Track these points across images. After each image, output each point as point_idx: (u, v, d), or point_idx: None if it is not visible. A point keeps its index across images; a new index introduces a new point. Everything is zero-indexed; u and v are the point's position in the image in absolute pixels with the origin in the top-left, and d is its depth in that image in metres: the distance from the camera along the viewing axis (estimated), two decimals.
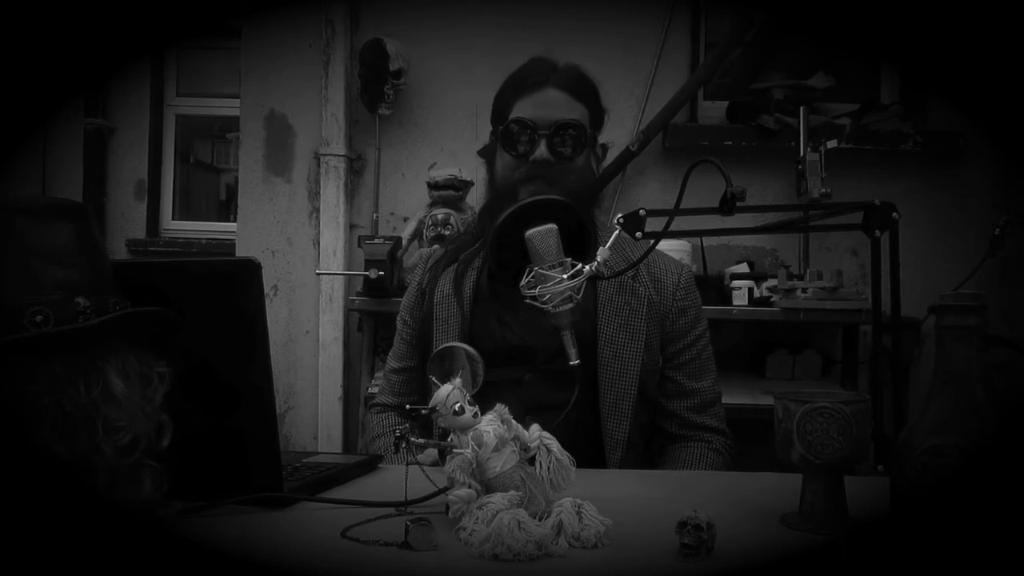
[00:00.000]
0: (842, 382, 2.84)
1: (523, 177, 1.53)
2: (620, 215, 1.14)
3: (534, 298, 1.18)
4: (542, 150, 1.51)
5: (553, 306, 1.17)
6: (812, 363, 2.94)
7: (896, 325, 1.11)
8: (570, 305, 1.18)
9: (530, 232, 1.19)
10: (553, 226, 1.19)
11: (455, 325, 1.55)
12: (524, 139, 1.53)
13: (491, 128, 1.63)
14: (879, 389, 1.09)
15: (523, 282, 1.18)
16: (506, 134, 1.54)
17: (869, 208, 1.10)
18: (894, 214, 1.10)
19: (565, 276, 1.16)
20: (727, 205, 1.15)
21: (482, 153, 1.67)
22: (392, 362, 1.70)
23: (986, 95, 2.94)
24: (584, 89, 1.58)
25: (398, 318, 1.72)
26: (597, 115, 1.60)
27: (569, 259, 1.18)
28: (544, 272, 1.17)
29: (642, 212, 1.14)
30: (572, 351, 1.22)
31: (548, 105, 1.53)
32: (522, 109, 1.54)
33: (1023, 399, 0.86)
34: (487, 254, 1.54)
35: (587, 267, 1.16)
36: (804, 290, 2.65)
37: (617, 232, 1.15)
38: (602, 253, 1.15)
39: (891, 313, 1.12)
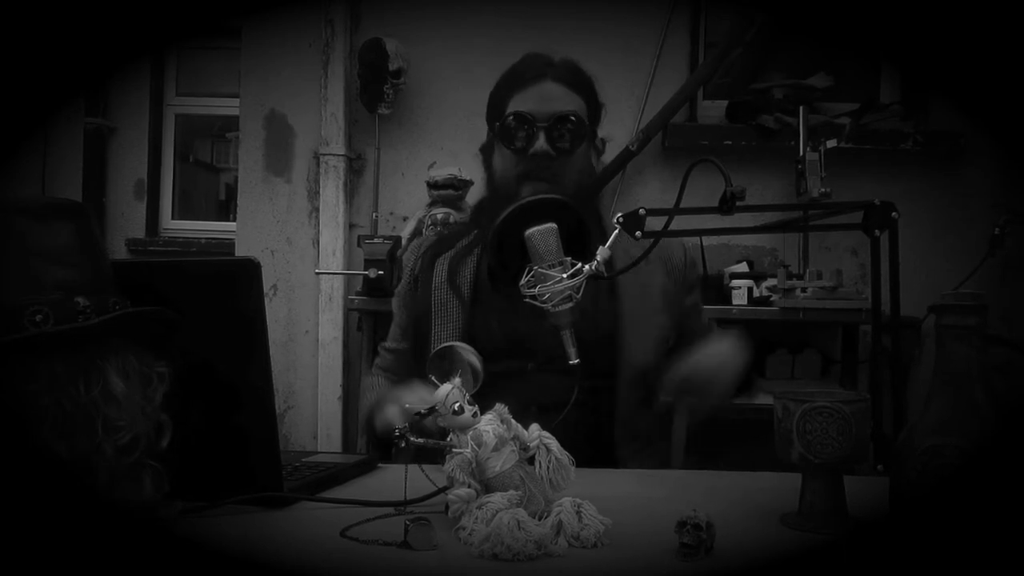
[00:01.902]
0: (842, 382, 2.84)
1: (523, 172, 1.52)
2: (619, 214, 1.14)
3: (533, 297, 1.17)
4: (541, 143, 1.50)
5: (552, 305, 1.17)
6: (812, 363, 2.94)
7: (896, 325, 1.11)
8: (569, 304, 1.18)
9: (530, 231, 1.19)
10: (553, 225, 1.19)
11: (454, 313, 1.55)
12: (522, 133, 1.52)
13: (487, 126, 1.63)
14: (879, 389, 1.09)
15: (523, 281, 1.18)
16: (504, 129, 1.54)
17: (869, 208, 1.10)
18: (893, 214, 1.10)
19: (564, 275, 1.16)
20: (727, 204, 1.15)
21: (483, 150, 1.67)
22: (388, 343, 1.73)
23: (987, 94, 2.94)
24: (581, 82, 1.58)
25: (393, 301, 1.72)
26: (594, 109, 1.60)
27: (569, 258, 1.18)
28: (544, 271, 1.17)
29: (641, 211, 1.13)
30: (571, 350, 1.22)
31: (546, 98, 1.53)
32: (519, 103, 1.53)
33: (1022, 399, 0.86)
34: (488, 254, 1.53)
35: (587, 266, 1.16)
36: (804, 290, 2.65)
37: (617, 231, 1.15)
38: (602, 252, 1.15)
39: (891, 313, 1.12)
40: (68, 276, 0.90)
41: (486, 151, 1.64)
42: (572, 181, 1.52)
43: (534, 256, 1.19)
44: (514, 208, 1.23)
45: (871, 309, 1.14)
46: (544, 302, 1.17)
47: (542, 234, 1.19)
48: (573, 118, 1.52)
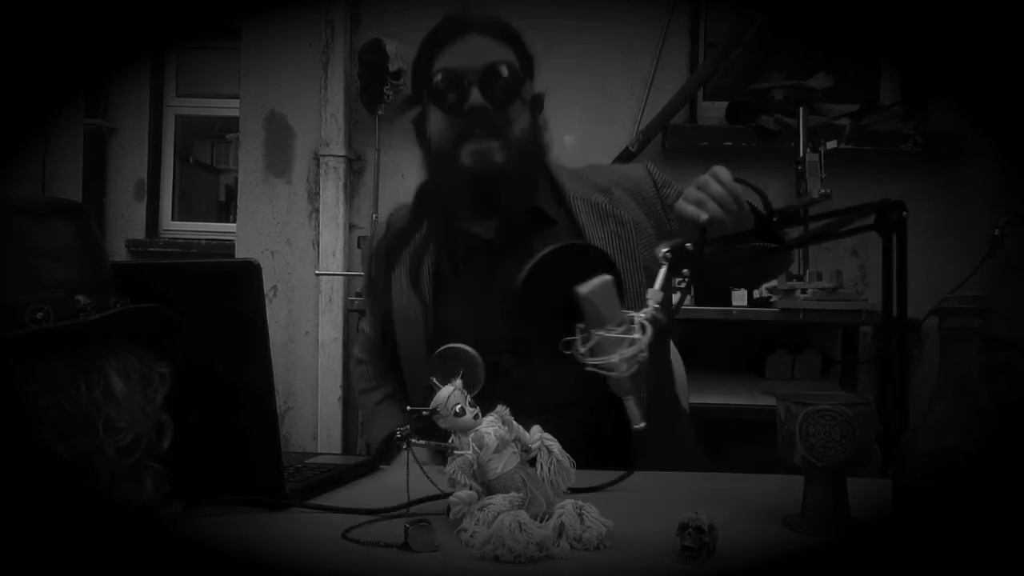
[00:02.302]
0: (841, 382, 2.84)
1: (461, 133, 1.40)
2: (666, 249, 1.09)
3: (597, 366, 1.02)
4: (475, 97, 1.38)
5: (620, 371, 1.02)
6: (812, 363, 2.95)
7: (901, 326, 1.10)
8: (636, 367, 1.03)
9: (586, 291, 1.02)
10: (608, 278, 1.04)
11: (415, 316, 1.47)
12: (454, 92, 1.40)
13: (414, 96, 1.52)
14: (887, 390, 1.08)
15: (582, 349, 1.03)
16: (434, 90, 1.42)
17: (883, 207, 1.09)
18: (904, 212, 1.09)
19: (639, 335, 1.01)
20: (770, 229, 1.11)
21: (415, 122, 1.51)
22: (366, 326, 1.68)
23: (987, 94, 2.94)
24: (507, 32, 1.47)
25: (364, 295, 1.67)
26: (525, 61, 1.48)
27: (629, 312, 1.03)
28: (609, 335, 1.02)
29: (688, 245, 1.10)
30: (637, 414, 1.08)
31: (473, 51, 1.41)
32: (446, 60, 1.42)
33: (1023, 401, 0.86)
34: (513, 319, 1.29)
35: (642, 317, 1.03)
36: (804, 290, 2.65)
37: (665, 268, 1.09)
38: (654, 295, 1.05)
39: (896, 314, 1.11)
40: (68, 275, 0.90)
41: (419, 123, 1.51)
42: (515, 138, 1.42)
43: (593, 319, 1.02)
44: (532, 266, 1.07)
45: (883, 310, 1.12)
46: (610, 370, 1.02)
47: (601, 292, 1.02)
48: (505, 67, 1.41)
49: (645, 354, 1.02)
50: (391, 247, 1.55)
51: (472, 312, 1.46)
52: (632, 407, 1.07)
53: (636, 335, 1.01)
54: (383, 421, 1.61)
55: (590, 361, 1.03)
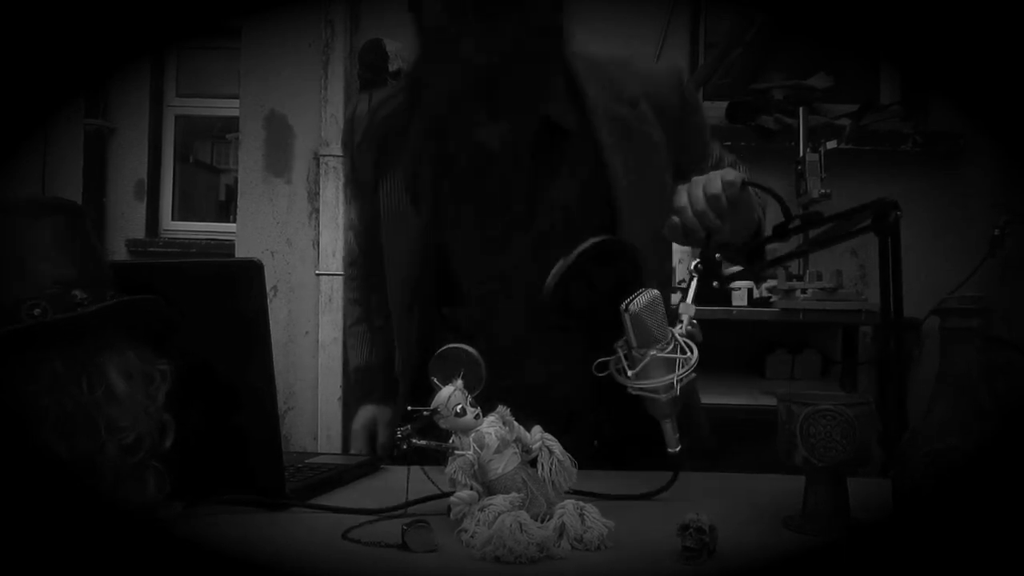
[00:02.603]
0: (841, 382, 2.84)
1: (461, 6, 1.13)
2: (697, 261, 1.07)
3: (643, 389, 0.99)
4: None
5: (662, 393, 1.00)
6: (812, 363, 2.95)
7: (898, 326, 1.10)
8: (676, 392, 1.01)
9: (635, 308, 0.97)
10: (656, 292, 0.98)
11: (412, 230, 1.30)
12: None
13: None
14: (887, 390, 1.08)
15: (630, 373, 1.00)
16: None
17: (880, 207, 1.09)
18: (897, 212, 1.09)
19: (692, 357, 0.99)
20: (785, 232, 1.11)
21: (411, 6, 1.23)
22: (356, 220, 1.51)
23: (987, 94, 2.94)
24: None
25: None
26: None
27: (672, 329, 1.00)
28: (660, 355, 0.98)
29: (718, 256, 1.10)
30: (675, 437, 1.05)
31: None
32: None
33: (1023, 400, 0.86)
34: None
35: (680, 333, 1.00)
36: (804, 290, 2.65)
37: (696, 280, 1.07)
38: (687, 309, 1.02)
39: (893, 314, 1.11)
40: (65, 272, 0.90)
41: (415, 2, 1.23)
42: (527, 19, 1.16)
43: (641, 338, 0.98)
44: (561, 271, 1.00)
45: (881, 311, 1.12)
46: (658, 393, 1.00)
47: (651, 309, 0.97)
48: None
49: (694, 374, 0.99)
50: (381, 142, 1.34)
51: (469, 234, 1.31)
52: (668, 430, 1.05)
53: (687, 354, 0.98)
54: (354, 344, 1.55)
55: (637, 385, 1.00)
